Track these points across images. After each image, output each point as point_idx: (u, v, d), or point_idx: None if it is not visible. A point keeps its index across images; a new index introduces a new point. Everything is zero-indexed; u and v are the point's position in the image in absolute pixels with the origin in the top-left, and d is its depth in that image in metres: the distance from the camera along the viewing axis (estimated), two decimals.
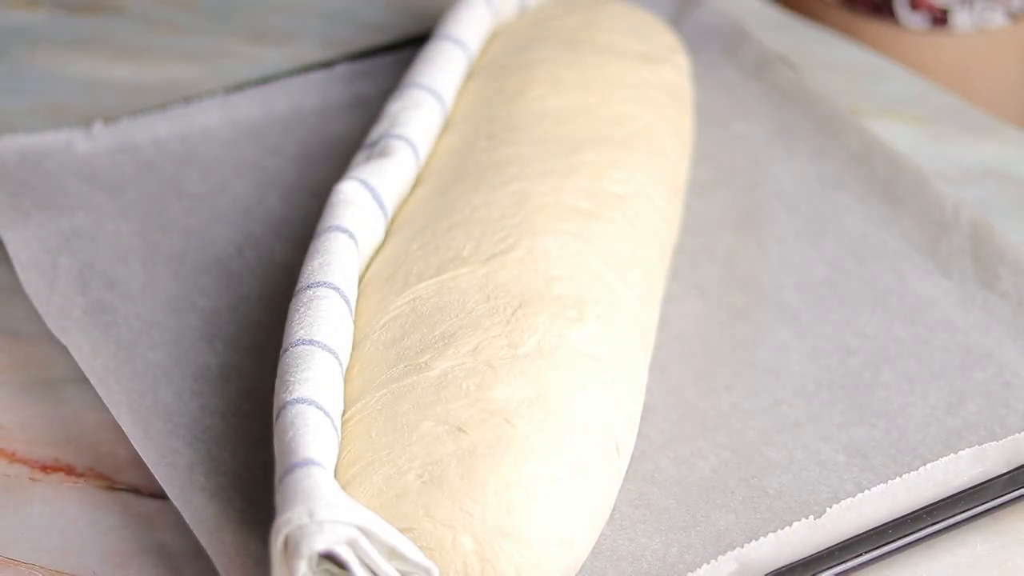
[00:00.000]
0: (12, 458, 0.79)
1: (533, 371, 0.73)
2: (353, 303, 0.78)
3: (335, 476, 0.72)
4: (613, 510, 0.74)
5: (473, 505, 0.68)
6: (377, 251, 0.83)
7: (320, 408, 0.70)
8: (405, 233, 0.82)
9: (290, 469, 0.67)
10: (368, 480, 0.70)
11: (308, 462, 0.67)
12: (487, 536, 0.68)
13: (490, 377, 0.72)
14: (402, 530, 0.68)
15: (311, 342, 0.74)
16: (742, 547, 0.71)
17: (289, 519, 0.64)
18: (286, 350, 0.73)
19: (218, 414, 0.80)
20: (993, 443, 0.75)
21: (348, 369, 0.76)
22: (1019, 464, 0.76)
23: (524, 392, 0.72)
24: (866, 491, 0.73)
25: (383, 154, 0.86)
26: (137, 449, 0.76)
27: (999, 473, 0.75)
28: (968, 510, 0.74)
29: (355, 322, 0.78)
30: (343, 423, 0.74)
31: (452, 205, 0.82)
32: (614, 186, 0.84)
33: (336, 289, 0.77)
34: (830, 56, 1.08)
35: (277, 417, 0.70)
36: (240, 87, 1.01)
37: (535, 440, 0.70)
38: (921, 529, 0.73)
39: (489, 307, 0.76)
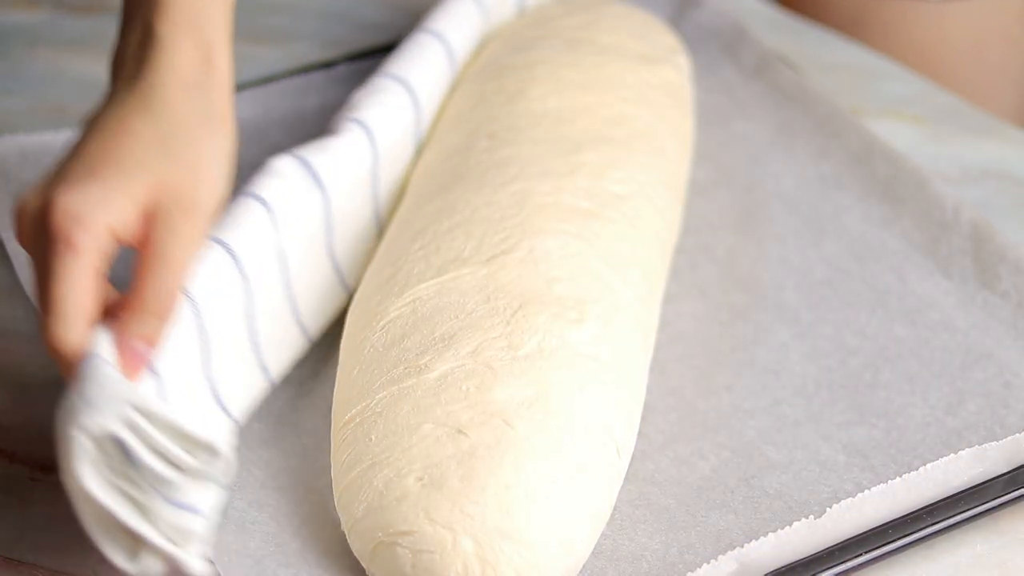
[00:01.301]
0: (12, 458, 0.79)
1: (533, 372, 0.73)
2: (246, 264, 0.77)
3: (335, 479, 0.72)
4: (613, 510, 0.74)
5: (473, 507, 0.68)
6: (377, 250, 0.83)
7: None
8: (406, 233, 0.82)
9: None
10: (369, 483, 0.70)
11: (90, 355, 0.67)
12: (487, 538, 0.68)
13: (489, 378, 0.72)
14: (403, 533, 0.69)
15: None
16: (742, 547, 0.70)
17: (63, 405, 0.65)
18: None
19: None
20: (993, 443, 0.75)
21: (348, 371, 0.76)
22: (1019, 464, 0.76)
23: (524, 393, 0.72)
24: (866, 491, 0.73)
25: (329, 132, 0.86)
26: None
27: (999, 473, 0.75)
28: (968, 510, 0.74)
29: (355, 322, 0.78)
30: (343, 425, 0.74)
31: (453, 205, 0.82)
32: (614, 186, 0.84)
33: (222, 244, 0.76)
34: (830, 56, 1.08)
35: None
36: (240, 87, 1.01)
37: (535, 441, 0.70)
38: (921, 529, 0.73)
39: (489, 308, 0.76)
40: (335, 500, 0.73)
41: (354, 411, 0.73)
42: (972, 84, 1.14)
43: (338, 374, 0.78)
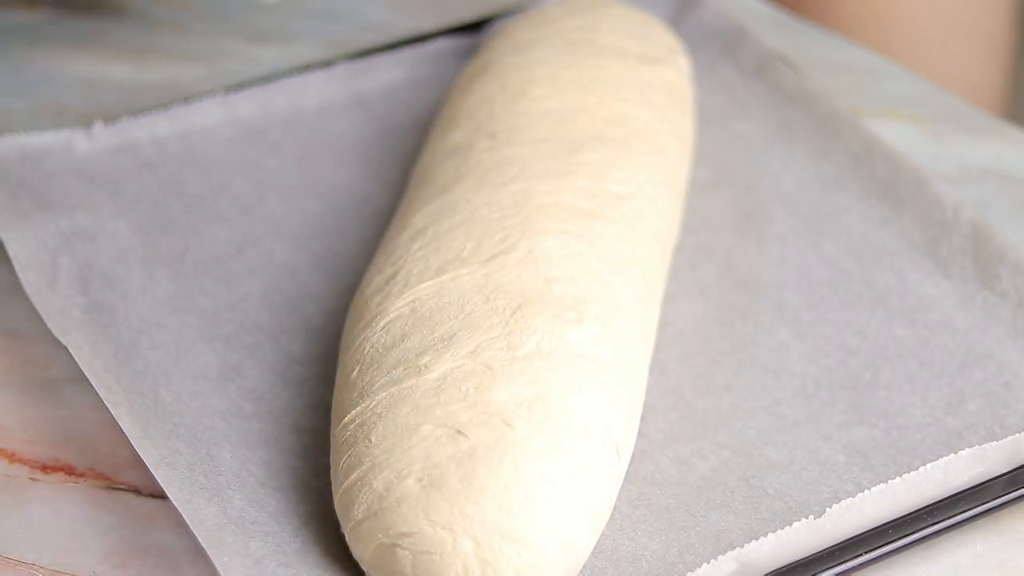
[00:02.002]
0: (12, 458, 0.79)
1: (532, 372, 0.73)
2: None
3: (335, 482, 0.72)
4: (613, 510, 0.74)
5: (473, 508, 0.68)
6: (376, 249, 0.83)
7: None
8: (407, 233, 0.82)
9: None
10: (369, 485, 0.70)
11: None
12: (487, 538, 0.68)
13: (489, 379, 0.72)
14: (403, 534, 0.69)
15: None
16: (742, 547, 0.70)
17: None
18: None
19: (218, 414, 0.80)
20: (993, 443, 0.75)
21: (347, 372, 0.76)
22: (1019, 464, 0.75)
23: (523, 394, 0.72)
24: (866, 491, 0.72)
25: None
26: (137, 449, 0.76)
27: (999, 473, 0.75)
28: (968, 510, 0.74)
29: (355, 322, 0.78)
30: (342, 427, 0.74)
31: (454, 205, 0.82)
32: (615, 186, 0.84)
33: None
34: (830, 56, 1.08)
35: None
36: (240, 87, 1.01)
37: (534, 442, 0.70)
38: (921, 529, 0.73)
39: (488, 308, 0.76)
40: (335, 503, 0.73)
41: (353, 412, 0.73)
42: (928, 61, 1.14)
43: (337, 375, 0.78)
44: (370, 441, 0.72)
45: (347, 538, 0.72)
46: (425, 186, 0.86)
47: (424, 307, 0.76)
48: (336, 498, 0.73)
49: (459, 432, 0.70)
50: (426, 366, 0.73)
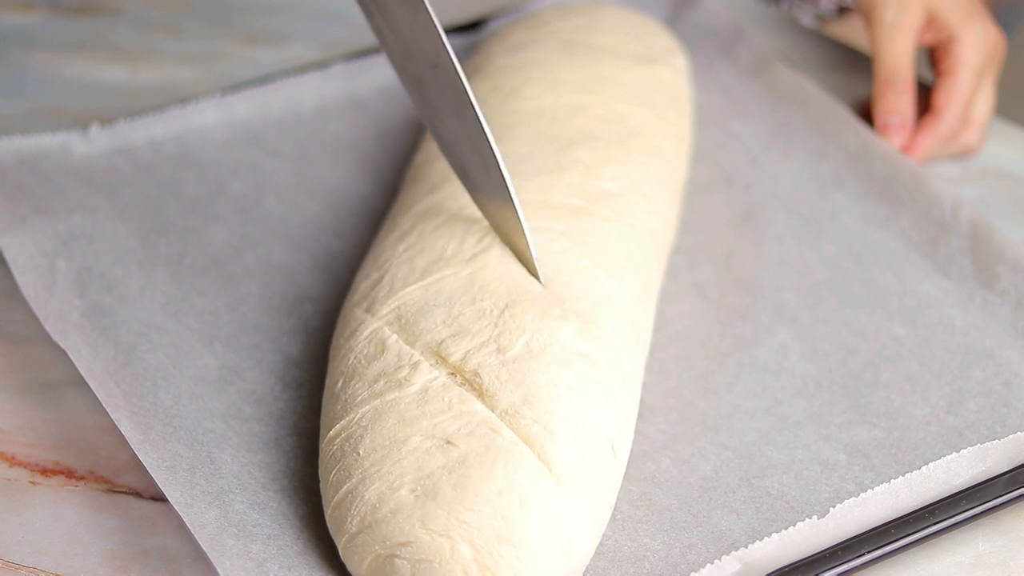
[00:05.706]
0: (12, 461, 0.79)
1: (520, 375, 0.72)
2: None
3: (324, 496, 0.72)
4: (615, 511, 0.74)
5: (468, 514, 0.68)
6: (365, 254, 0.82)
7: None
8: (394, 234, 0.82)
9: None
10: (361, 498, 0.70)
11: None
12: (485, 544, 0.68)
13: (475, 387, 0.72)
14: (400, 544, 0.68)
15: None
16: (746, 547, 0.70)
17: None
18: None
19: (218, 416, 0.80)
20: (994, 442, 0.75)
21: (333, 384, 0.76)
22: (1020, 463, 0.76)
23: (509, 399, 0.71)
24: (868, 491, 0.72)
25: None
26: (137, 453, 0.75)
27: (1000, 472, 0.75)
28: (970, 509, 0.74)
29: (342, 331, 0.78)
30: (329, 440, 0.73)
31: (440, 204, 0.82)
32: (607, 183, 0.84)
33: None
34: (828, 56, 1.08)
35: None
36: (236, 88, 1.01)
37: (523, 446, 0.70)
38: (923, 528, 0.73)
39: (476, 310, 0.75)
40: (326, 518, 0.73)
41: (339, 426, 0.73)
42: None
43: (325, 385, 0.78)
44: (358, 454, 0.71)
45: (341, 553, 0.71)
46: (416, 186, 0.86)
47: (409, 312, 0.76)
48: (328, 513, 0.72)
49: (448, 442, 0.70)
50: (406, 379, 0.73)
